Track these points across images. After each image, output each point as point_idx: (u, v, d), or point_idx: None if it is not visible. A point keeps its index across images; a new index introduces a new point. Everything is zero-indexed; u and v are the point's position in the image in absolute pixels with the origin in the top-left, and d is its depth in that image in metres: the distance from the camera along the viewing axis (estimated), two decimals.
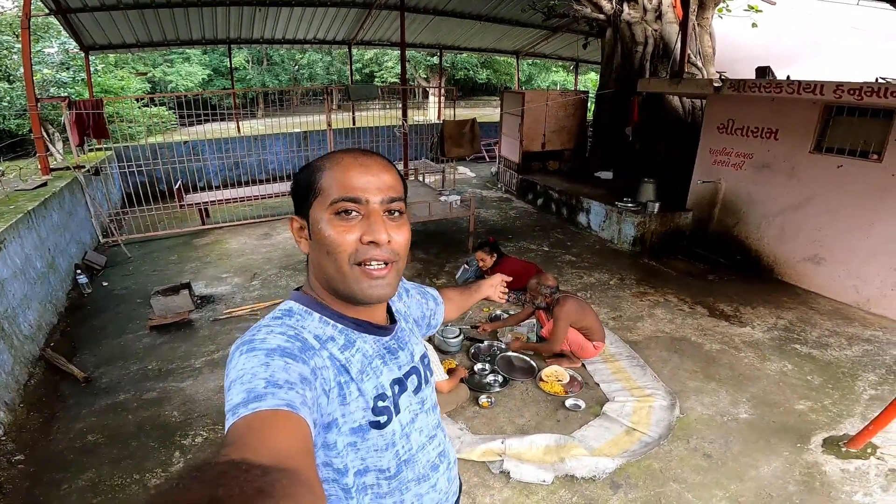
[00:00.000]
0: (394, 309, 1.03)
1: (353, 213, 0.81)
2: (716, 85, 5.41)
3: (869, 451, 2.79)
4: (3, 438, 2.86)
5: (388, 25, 10.49)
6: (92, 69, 14.65)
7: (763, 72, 5.62)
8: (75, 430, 3.07)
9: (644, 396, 3.29)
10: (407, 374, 0.94)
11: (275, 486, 0.43)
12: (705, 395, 3.41)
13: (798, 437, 2.98)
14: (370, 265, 0.82)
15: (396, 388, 0.90)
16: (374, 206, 0.82)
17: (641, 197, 6.62)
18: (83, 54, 8.77)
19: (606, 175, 8.29)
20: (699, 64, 7.73)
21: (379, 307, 0.93)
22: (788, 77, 4.95)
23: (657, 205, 6.28)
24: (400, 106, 10.97)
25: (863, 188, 4.63)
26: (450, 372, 3.28)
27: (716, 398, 3.37)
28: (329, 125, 7.09)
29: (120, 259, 6.14)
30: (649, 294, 5.08)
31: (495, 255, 4.63)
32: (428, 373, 1.02)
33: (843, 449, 2.83)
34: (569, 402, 3.21)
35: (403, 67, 8.26)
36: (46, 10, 6.84)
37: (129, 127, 13.95)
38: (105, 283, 5.46)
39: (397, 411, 0.89)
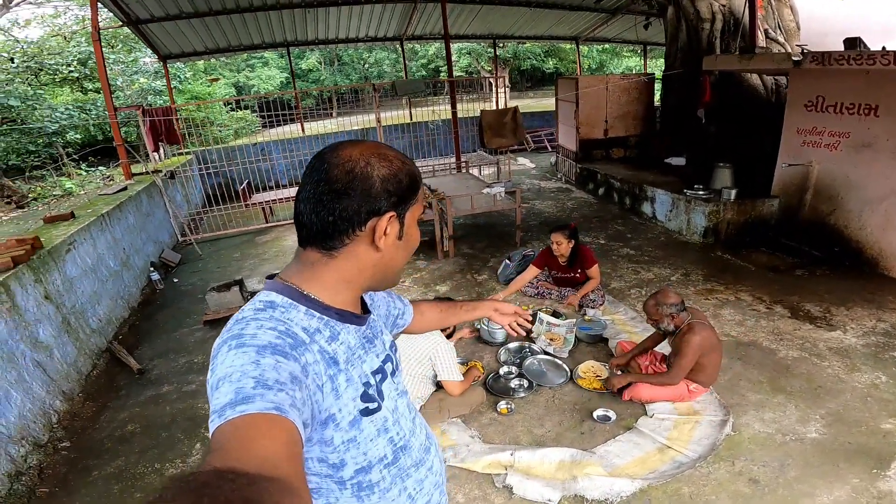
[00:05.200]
0: (366, 299, 1.04)
1: None
2: (795, 59, 4.71)
3: None
4: (56, 426, 3.13)
5: (436, 18, 10.41)
6: (181, 76, 16.12)
7: (852, 43, 4.83)
8: (118, 419, 3.30)
9: (690, 412, 2.90)
10: (384, 362, 0.96)
11: (262, 495, 0.43)
12: (768, 409, 2.94)
13: (876, 461, 2.47)
14: None
15: (379, 376, 0.91)
16: None
17: (716, 183, 5.95)
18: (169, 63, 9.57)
19: (678, 161, 7.58)
20: (780, 39, 6.86)
21: (358, 297, 0.95)
22: (884, 48, 4.20)
23: (734, 192, 5.61)
24: (466, 98, 10.89)
25: None
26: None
27: (780, 413, 2.89)
28: (378, 121, 7.16)
29: (193, 257, 6.61)
30: (718, 291, 4.54)
31: (573, 241, 4.26)
32: (398, 360, 1.05)
33: None
34: (597, 413, 2.91)
35: (449, 59, 8.16)
36: (119, 23, 7.48)
37: (220, 130, 15.11)
38: (176, 280, 5.89)
39: (382, 398, 0.90)
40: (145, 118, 6.54)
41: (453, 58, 22.64)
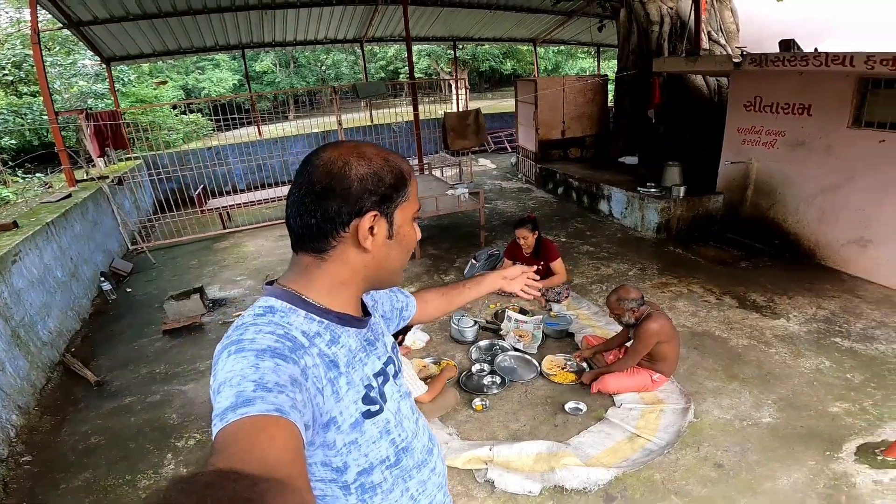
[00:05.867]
0: (365, 301, 1.03)
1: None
2: (735, 61, 5.03)
3: None
4: (14, 440, 2.98)
5: (397, 21, 10.40)
6: (126, 79, 15.32)
7: (787, 45, 5.18)
8: (81, 432, 3.17)
9: (655, 401, 3.06)
10: (385, 364, 0.96)
11: (264, 496, 0.43)
12: (725, 396, 3.13)
13: (828, 443, 2.68)
14: None
15: (381, 378, 0.91)
16: None
17: (666, 181, 6.26)
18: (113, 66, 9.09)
19: (631, 160, 7.93)
20: (722, 41, 7.30)
21: (357, 299, 0.95)
22: (816, 49, 4.54)
23: (683, 189, 5.92)
24: (427, 100, 10.91)
25: None
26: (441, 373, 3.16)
27: (736, 400, 3.09)
28: (339, 124, 7.09)
29: (145, 265, 6.33)
30: (672, 284, 4.78)
31: (536, 232, 4.33)
32: (399, 362, 1.05)
33: (879, 458, 2.52)
34: (569, 406, 3.03)
35: (410, 61, 8.18)
36: (59, 25, 7.07)
37: (168, 134, 14.44)
38: (129, 290, 5.63)
39: (384, 400, 0.90)
40: (89, 122, 6.20)
41: (413, 59, 22.75)
